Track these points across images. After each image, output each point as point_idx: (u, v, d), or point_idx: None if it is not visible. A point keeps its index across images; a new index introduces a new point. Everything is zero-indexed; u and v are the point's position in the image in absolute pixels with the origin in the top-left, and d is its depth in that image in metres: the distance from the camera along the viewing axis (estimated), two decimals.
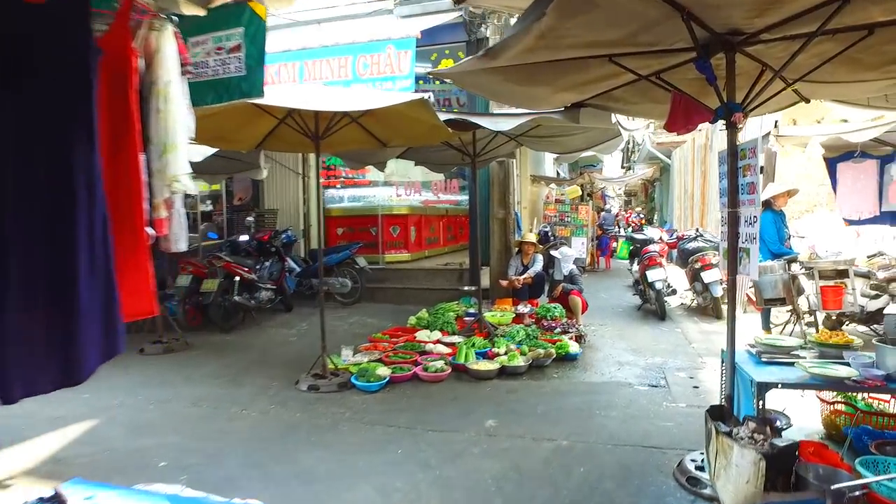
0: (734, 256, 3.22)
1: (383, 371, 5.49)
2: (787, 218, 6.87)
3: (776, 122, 8.08)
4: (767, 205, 6.80)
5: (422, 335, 6.85)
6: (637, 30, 2.90)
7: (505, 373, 5.69)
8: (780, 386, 2.95)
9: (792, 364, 3.16)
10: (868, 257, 6.81)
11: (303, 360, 6.01)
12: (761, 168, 8.43)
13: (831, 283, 6.29)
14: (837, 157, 7.45)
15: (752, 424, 2.83)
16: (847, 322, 6.67)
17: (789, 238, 6.81)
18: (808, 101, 4.11)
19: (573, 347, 6.25)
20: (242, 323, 8.38)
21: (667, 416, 4.52)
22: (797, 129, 7.61)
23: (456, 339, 6.68)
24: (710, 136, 11.35)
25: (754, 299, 6.95)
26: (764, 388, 2.95)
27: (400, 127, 5.88)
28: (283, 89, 6.50)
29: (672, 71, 3.50)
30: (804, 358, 3.28)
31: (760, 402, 2.95)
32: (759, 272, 6.48)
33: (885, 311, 5.91)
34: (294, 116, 5.55)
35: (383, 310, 9.22)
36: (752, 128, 8.57)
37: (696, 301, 8.97)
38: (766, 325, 6.85)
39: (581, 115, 4.83)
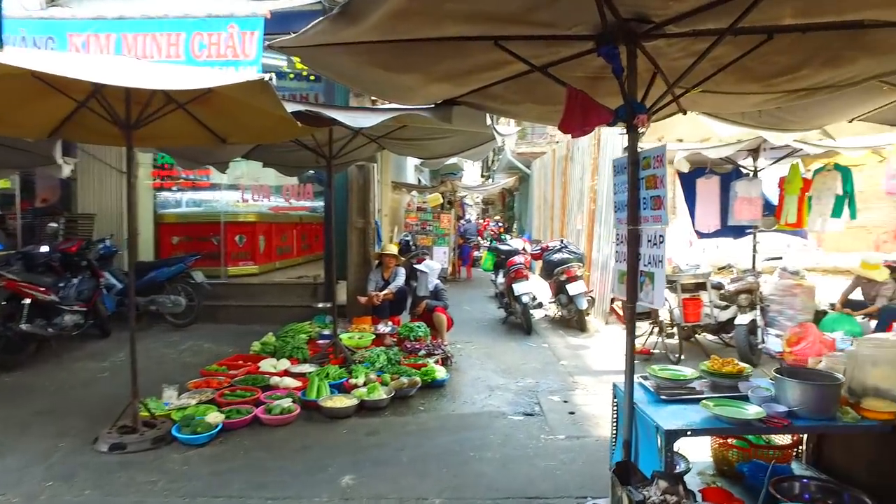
0: (634, 281, 2.79)
1: (215, 417, 4.41)
2: None
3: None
4: None
5: (267, 364, 5.82)
6: (534, 3, 2.33)
7: (364, 408, 4.91)
8: (689, 433, 2.55)
9: (695, 402, 2.80)
10: (718, 269, 7.11)
11: (111, 405, 4.67)
12: None
13: (689, 295, 6.42)
14: (690, 172, 7.78)
15: (662, 484, 2.37)
16: (700, 332, 6.88)
17: None
18: (685, 112, 3.90)
19: (440, 373, 5.65)
20: (36, 357, 6.61)
21: (548, 454, 4.06)
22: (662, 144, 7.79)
23: (307, 367, 5.75)
24: (571, 148, 11.60)
25: (621, 313, 6.93)
26: (673, 436, 2.52)
27: (241, 119, 4.84)
28: (72, 57, 5.11)
29: (563, 65, 3.01)
30: (702, 392, 2.94)
31: (668, 454, 2.52)
32: None
33: (735, 322, 6.11)
34: (99, 97, 4.28)
35: (224, 332, 7.93)
36: (613, 140, 8.72)
37: (560, 313, 8.92)
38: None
39: (454, 115, 4.24)
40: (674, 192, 8.22)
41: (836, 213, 7.70)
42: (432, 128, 5.22)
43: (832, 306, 7.64)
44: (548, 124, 4.70)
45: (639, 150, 2.75)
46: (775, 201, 7.48)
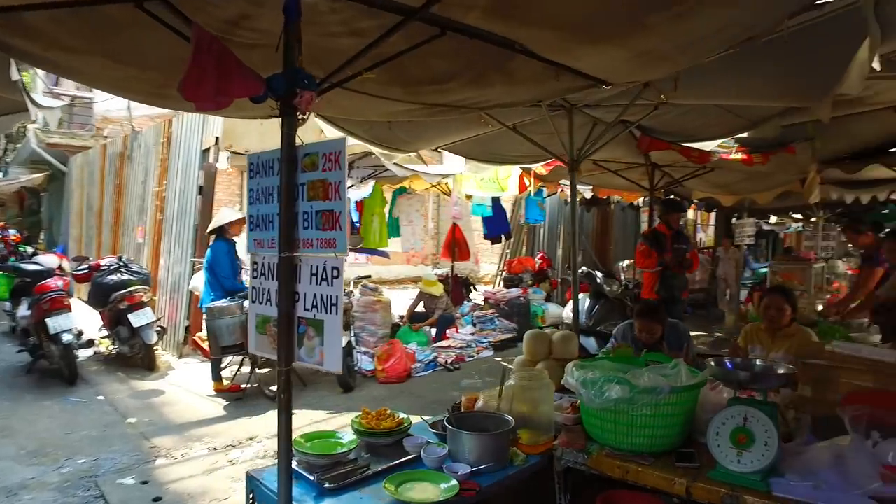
0: (289, 333, 1.93)
1: None
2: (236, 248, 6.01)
3: (217, 137, 7.20)
4: (220, 233, 5.78)
5: None
6: None
7: None
8: None
9: (370, 482, 2.13)
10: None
11: None
12: (200, 188, 7.40)
13: None
14: None
15: None
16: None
17: (241, 271, 5.98)
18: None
19: None
20: None
21: None
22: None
23: None
24: (130, 145, 9.46)
25: (206, 346, 5.75)
26: None
27: None
28: None
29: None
30: (369, 465, 2.31)
31: None
32: (215, 314, 5.36)
33: None
34: None
35: None
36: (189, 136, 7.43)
37: (117, 350, 6.95)
38: (217, 376, 5.74)
39: None
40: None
41: (395, 233, 8.56)
42: None
43: (401, 318, 8.43)
44: (138, 97, 3.24)
45: (300, 142, 1.93)
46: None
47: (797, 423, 2.40)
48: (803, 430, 2.32)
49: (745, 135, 4.77)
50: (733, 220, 9.99)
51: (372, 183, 7.37)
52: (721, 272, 10.56)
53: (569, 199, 11.75)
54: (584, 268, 7.32)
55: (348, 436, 2.46)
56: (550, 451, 2.48)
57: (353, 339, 6.06)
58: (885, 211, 10.16)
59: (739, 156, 4.98)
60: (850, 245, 5.59)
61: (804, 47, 2.91)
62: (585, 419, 2.52)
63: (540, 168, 6.29)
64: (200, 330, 6.35)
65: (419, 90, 3.06)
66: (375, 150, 4.76)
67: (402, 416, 2.66)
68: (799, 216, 13.06)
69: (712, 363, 2.38)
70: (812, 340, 3.64)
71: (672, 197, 7.07)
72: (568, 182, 8.98)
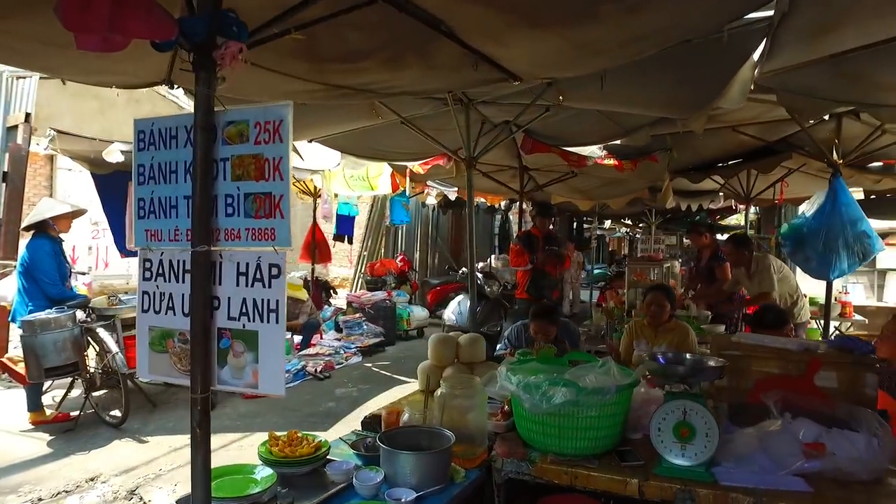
0: (205, 350, 1.51)
1: None
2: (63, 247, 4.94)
3: (29, 113, 5.99)
4: (41, 228, 4.71)
5: None
6: None
7: None
8: None
9: None
10: None
11: None
12: (4, 174, 6.05)
13: (132, 333, 4.93)
14: (109, 175, 6.18)
15: None
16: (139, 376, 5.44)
17: (71, 275, 4.95)
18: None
19: None
20: None
21: None
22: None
23: None
24: None
25: (20, 370, 4.64)
26: None
27: None
28: None
29: None
30: (287, 502, 1.92)
31: None
32: (36, 329, 4.34)
33: None
34: None
35: None
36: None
37: None
38: (37, 405, 4.67)
39: None
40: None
41: None
42: None
43: None
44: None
45: (222, 108, 1.52)
46: None
47: (716, 412, 2.50)
48: (721, 418, 2.43)
49: (617, 142, 5.08)
50: (585, 225, 10.81)
51: None
52: (566, 274, 11.38)
53: (426, 202, 11.90)
54: (464, 269, 7.32)
55: (260, 470, 2.03)
56: (488, 463, 2.30)
57: None
58: (697, 217, 11.77)
59: (612, 161, 5.30)
60: (692, 246, 6.29)
61: (696, 60, 3.11)
62: (522, 425, 2.38)
63: (417, 167, 6.13)
64: (8, 349, 5.14)
65: (327, 68, 2.71)
66: None
67: (318, 437, 2.29)
68: (629, 222, 14.58)
69: (647, 358, 2.40)
70: (690, 334, 3.95)
71: (544, 202, 7.37)
72: (436, 183, 9.04)
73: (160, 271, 1.61)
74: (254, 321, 1.50)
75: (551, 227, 6.24)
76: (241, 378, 1.51)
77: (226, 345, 1.52)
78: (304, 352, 6.96)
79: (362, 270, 10.72)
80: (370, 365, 7.17)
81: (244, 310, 1.50)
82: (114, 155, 5.00)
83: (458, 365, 3.30)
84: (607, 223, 15.54)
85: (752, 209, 9.38)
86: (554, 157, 5.24)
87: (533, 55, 2.59)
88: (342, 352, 7.21)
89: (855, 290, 9.31)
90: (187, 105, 17.55)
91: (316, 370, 6.38)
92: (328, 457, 2.22)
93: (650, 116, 4.36)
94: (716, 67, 3.03)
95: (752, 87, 3.05)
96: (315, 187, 7.88)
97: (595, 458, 2.23)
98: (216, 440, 4.42)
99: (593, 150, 5.73)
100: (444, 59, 2.73)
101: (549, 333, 3.90)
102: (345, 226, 9.57)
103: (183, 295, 1.57)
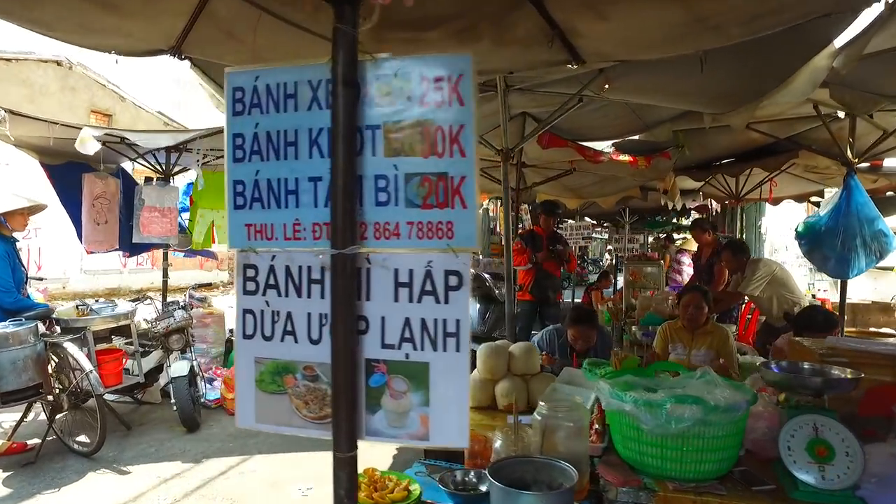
0: (351, 385, 1.11)
1: None
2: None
3: None
4: None
5: None
6: None
7: None
8: None
9: None
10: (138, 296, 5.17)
11: None
12: None
13: (104, 346, 4.32)
14: (63, 165, 5.46)
15: None
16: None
17: (27, 281, 4.26)
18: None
19: None
20: None
21: None
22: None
23: None
24: None
25: None
26: None
27: None
28: None
29: None
30: None
31: None
32: None
33: (171, 374, 4.48)
34: None
35: None
36: None
37: None
38: None
39: None
40: None
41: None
42: None
43: (231, 332, 7.09)
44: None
45: (370, 56, 1.13)
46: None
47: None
48: None
49: (635, 137, 4.89)
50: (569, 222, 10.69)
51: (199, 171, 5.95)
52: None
53: None
54: (472, 270, 6.94)
55: None
56: (596, 492, 2.00)
57: (195, 363, 4.75)
58: (674, 217, 11.96)
59: (626, 157, 5.10)
60: (696, 243, 6.26)
61: (762, 47, 2.89)
62: (629, 447, 2.07)
63: None
64: None
65: (386, 36, 2.30)
66: None
67: (406, 475, 1.91)
68: (607, 223, 14.64)
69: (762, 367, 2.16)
70: (730, 337, 3.77)
71: (549, 200, 7.12)
72: None
73: (271, 282, 1.19)
74: (422, 349, 1.10)
75: (556, 225, 6.01)
76: (402, 426, 1.12)
77: (379, 382, 1.12)
78: None
79: None
80: None
81: (407, 334, 1.11)
82: (88, 145, 4.25)
83: (512, 377, 2.97)
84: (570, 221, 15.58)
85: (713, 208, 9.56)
86: (565, 151, 5.00)
87: (628, 30, 2.29)
88: None
89: (820, 288, 9.64)
90: (129, 96, 16.21)
91: None
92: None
93: (673, 111, 4.17)
94: (785, 55, 2.84)
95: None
96: None
97: (718, 482, 1.96)
98: (213, 466, 3.91)
99: (604, 147, 5.53)
100: (520, 32, 2.40)
101: (590, 340, 3.64)
102: None
103: (309, 314, 1.16)
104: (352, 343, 1.10)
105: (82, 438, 4.11)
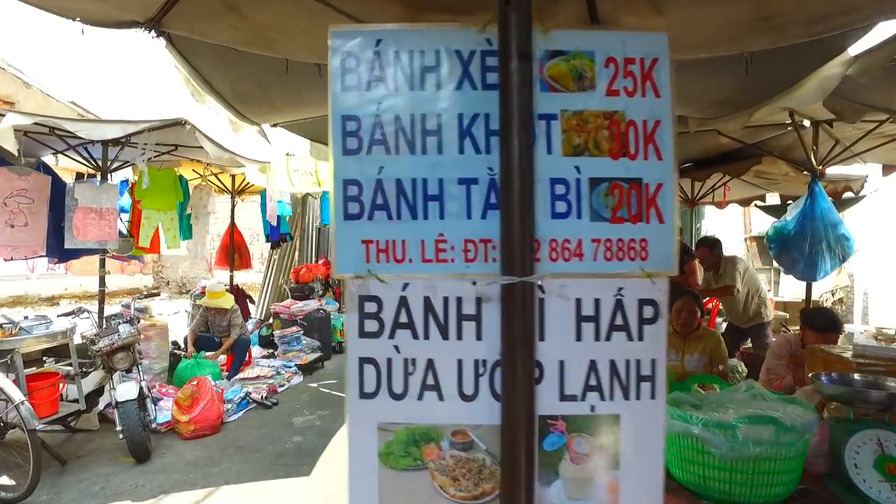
0: (527, 454, 0.86)
1: None
2: None
3: None
4: None
5: None
6: None
7: None
8: None
9: None
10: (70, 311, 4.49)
11: None
12: None
13: (34, 370, 3.71)
14: None
15: None
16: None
17: None
18: None
19: None
20: None
21: None
22: None
23: None
24: None
25: None
26: None
27: None
28: None
29: None
30: None
31: None
32: None
33: (118, 397, 3.93)
34: None
35: None
36: None
37: None
38: None
39: None
40: None
41: (187, 234, 6.66)
42: None
43: (176, 346, 6.45)
44: None
45: (540, 25, 0.89)
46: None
47: None
48: None
49: None
50: None
51: (145, 168, 5.31)
52: None
53: None
54: None
55: None
56: None
57: (144, 383, 4.21)
58: None
59: None
60: None
61: (774, 51, 2.87)
62: (690, 471, 1.93)
63: None
64: None
65: (421, 17, 2.05)
66: (231, 114, 3.26)
67: None
68: None
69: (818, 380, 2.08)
70: (721, 342, 3.76)
71: None
72: None
73: (403, 319, 0.91)
74: (611, 399, 0.87)
75: None
76: (584, 498, 0.88)
77: (556, 444, 0.88)
78: (242, 375, 5.89)
79: (284, 277, 9.48)
80: (315, 385, 6.29)
81: (593, 381, 0.88)
82: (7, 138, 3.55)
83: None
84: None
85: None
86: None
87: (683, 26, 2.15)
88: (283, 371, 6.24)
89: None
90: (36, 83, 14.72)
91: (262, 396, 5.41)
92: None
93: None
94: (796, 62, 2.82)
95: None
96: (240, 182, 6.78)
97: None
98: (173, 502, 3.44)
99: None
100: (558, 21, 2.20)
101: None
102: (283, 227, 8.46)
103: (460, 362, 0.89)
104: (529, 398, 0.85)
105: (4, 481, 3.51)
